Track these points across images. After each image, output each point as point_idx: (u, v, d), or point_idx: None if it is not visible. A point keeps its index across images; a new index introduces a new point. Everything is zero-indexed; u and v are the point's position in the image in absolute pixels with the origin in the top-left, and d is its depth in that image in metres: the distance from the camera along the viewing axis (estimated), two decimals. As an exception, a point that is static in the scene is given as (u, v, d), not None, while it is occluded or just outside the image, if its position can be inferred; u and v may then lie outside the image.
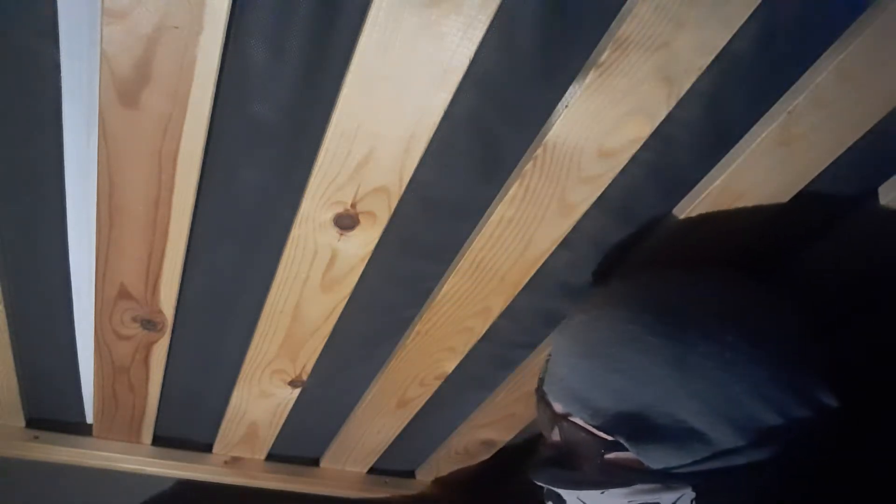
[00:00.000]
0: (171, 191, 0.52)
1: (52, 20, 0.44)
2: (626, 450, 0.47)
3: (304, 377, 0.73)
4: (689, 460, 0.46)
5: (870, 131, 0.50)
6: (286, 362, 0.70)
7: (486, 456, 0.92)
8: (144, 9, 0.41)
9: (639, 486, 0.47)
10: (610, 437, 0.48)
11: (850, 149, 0.52)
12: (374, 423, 0.83)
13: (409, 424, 0.84)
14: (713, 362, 0.46)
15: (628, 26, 0.43)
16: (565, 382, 0.52)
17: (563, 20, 0.45)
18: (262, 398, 0.75)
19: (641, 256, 0.61)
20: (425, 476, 0.98)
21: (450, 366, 0.73)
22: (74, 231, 0.58)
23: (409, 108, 0.47)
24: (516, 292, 0.64)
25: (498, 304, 0.65)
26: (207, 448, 0.86)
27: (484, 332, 0.69)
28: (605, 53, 0.44)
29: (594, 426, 0.49)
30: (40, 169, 0.53)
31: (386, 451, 0.90)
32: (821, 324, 0.51)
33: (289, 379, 0.73)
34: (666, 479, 0.47)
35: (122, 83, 0.44)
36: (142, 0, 0.41)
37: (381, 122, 0.48)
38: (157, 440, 0.84)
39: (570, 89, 0.48)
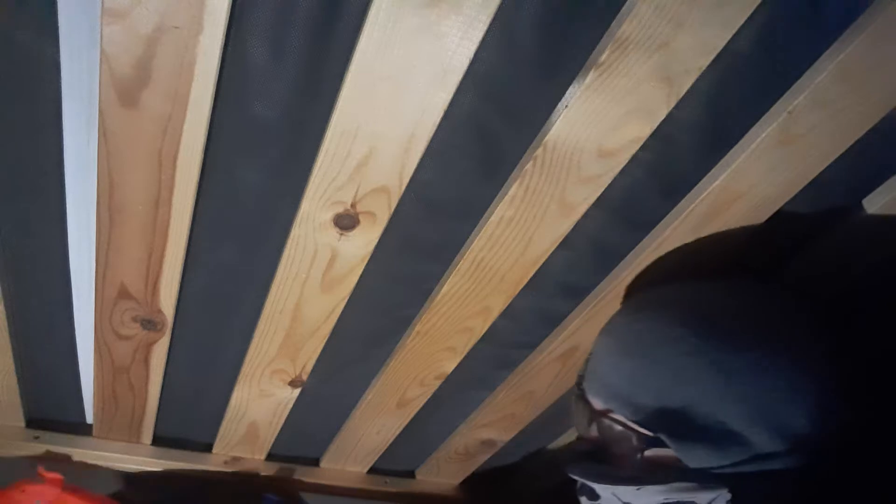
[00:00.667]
0: (171, 191, 0.52)
1: (52, 20, 0.44)
2: (666, 447, 0.48)
3: (304, 377, 0.73)
4: (727, 462, 0.46)
5: (870, 132, 0.50)
6: (286, 362, 0.70)
7: (486, 456, 0.92)
8: (144, 9, 0.41)
9: (676, 485, 0.48)
10: (651, 434, 0.49)
11: (847, 152, 0.52)
12: (374, 423, 0.83)
13: (409, 424, 0.84)
14: (755, 367, 0.47)
15: (628, 26, 0.43)
16: (607, 380, 0.53)
17: (563, 20, 0.45)
18: (262, 398, 0.75)
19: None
20: (425, 476, 0.98)
21: (450, 366, 0.73)
22: (74, 231, 0.58)
23: (409, 108, 0.47)
24: (516, 292, 0.64)
25: (498, 304, 0.65)
26: (207, 448, 0.86)
27: (484, 332, 0.69)
28: (605, 53, 0.44)
29: (635, 422, 0.50)
30: (40, 169, 0.53)
31: (386, 451, 0.90)
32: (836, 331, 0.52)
33: (289, 379, 0.73)
34: (703, 478, 0.47)
35: (122, 83, 0.44)
36: (142, 0, 0.41)
37: (381, 122, 0.48)
38: (157, 440, 0.84)
39: (570, 89, 0.48)
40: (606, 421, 0.53)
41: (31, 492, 0.65)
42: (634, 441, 0.50)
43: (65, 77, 0.47)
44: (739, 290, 0.54)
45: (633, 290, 0.64)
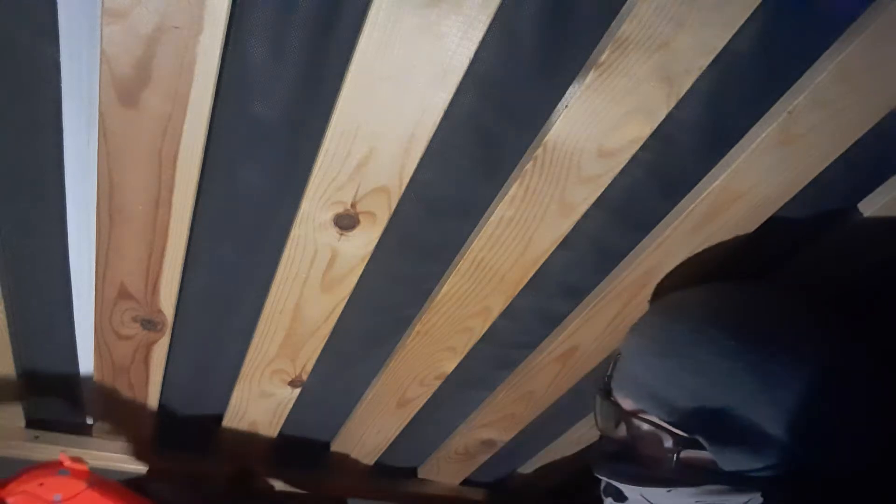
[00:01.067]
0: (171, 191, 0.52)
1: (52, 20, 0.44)
2: (700, 449, 0.48)
3: (304, 377, 0.73)
4: (761, 465, 0.46)
5: (870, 132, 0.50)
6: (286, 362, 0.70)
7: (486, 456, 0.92)
8: (144, 9, 0.41)
9: (708, 487, 0.48)
10: (686, 435, 0.48)
11: (847, 152, 0.52)
12: (374, 423, 0.83)
13: (409, 424, 0.84)
14: (791, 372, 0.47)
15: (628, 26, 0.43)
16: (640, 380, 0.53)
17: (563, 20, 0.45)
18: (262, 398, 0.75)
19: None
20: (426, 476, 0.98)
21: (450, 366, 0.73)
22: (74, 231, 0.58)
23: (409, 108, 0.47)
24: (516, 292, 0.64)
25: (498, 304, 0.65)
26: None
27: (484, 332, 0.69)
28: (605, 53, 0.44)
29: (669, 423, 0.49)
30: (40, 169, 0.53)
31: (386, 451, 0.90)
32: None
33: (289, 379, 0.73)
34: (736, 481, 0.47)
35: (122, 83, 0.44)
36: (142, 0, 0.41)
37: (381, 122, 0.48)
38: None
39: (570, 89, 0.48)
40: (637, 421, 0.52)
41: (50, 485, 0.58)
42: (668, 442, 0.50)
43: (65, 77, 0.47)
44: (766, 293, 0.55)
45: (659, 293, 0.64)
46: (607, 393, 0.57)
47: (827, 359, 0.48)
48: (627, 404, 0.54)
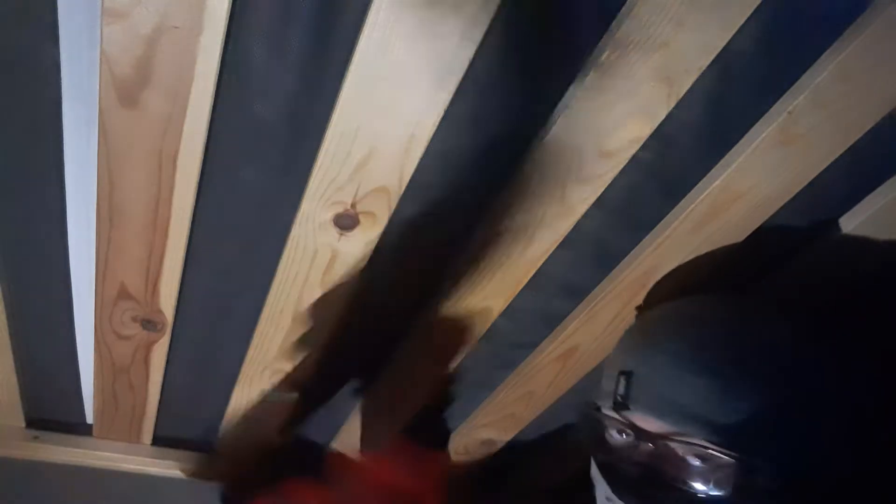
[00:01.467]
0: (171, 191, 0.51)
1: (52, 20, 0.44)
2: (749, 470, 0.47)
3: (304, 378, 0.73)
4: (791, 475, 0.47)
5: (870, 132, 0.50)
6: (286, 362, 0.70)
7: (486, 456, 0.92)
8: (144, 9, 0.41)
9: None
10: (740, 457, 0.46)
11: (846, 153, 0.52)
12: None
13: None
14: (804, 378, 0.48)
15: (628, 26, 0.43)
16: (674, 400, 0.49)
17: (563, 20, 0.45)
18: (262, 398, 0.75)
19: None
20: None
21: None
22: (74, 231, 0.58)
23: (409, 108, 0.47)
24: (516, 292, 0.64)
25: (498, 304, 0.65)
26: (208, 448, 0.86)
27: (484, 332, 0.69)
28: (605, 53, 0.44)
29: (718, 445, 0.47)
30: (40, 169, 0.53)
31: (386, 451, 0.90)
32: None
33: (289, 379, 0.73)
34: (769, 495, 0.47)
35: (122, 83, 0.44)
36: (142, 0, 0.41)
37: (381, 122, 0.48)
38: (157, 440, 0.84)
39: (570, 89, 0.48)
40: (669, 444, 0.49)
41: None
42: (711, 464, 0.48)
43: (65, 77, 0.47)
44: (764, 301, 0.56)
45: (657, 293, 0.63)
46: (600, 411, 0.54)
47: (829, 360, 0.48)
48: (659, 427, 0.50)
